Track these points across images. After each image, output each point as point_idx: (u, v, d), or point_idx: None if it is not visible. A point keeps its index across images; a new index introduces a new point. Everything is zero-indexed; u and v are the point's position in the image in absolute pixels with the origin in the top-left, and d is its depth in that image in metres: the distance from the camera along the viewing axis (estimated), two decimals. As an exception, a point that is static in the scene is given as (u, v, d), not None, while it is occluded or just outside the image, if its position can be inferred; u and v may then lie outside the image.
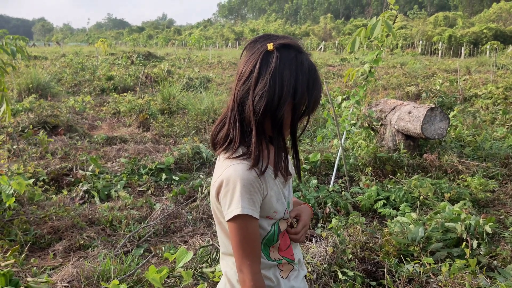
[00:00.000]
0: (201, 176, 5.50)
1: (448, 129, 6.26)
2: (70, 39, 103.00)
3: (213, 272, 3.04)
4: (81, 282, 2.86)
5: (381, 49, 4.94)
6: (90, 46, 50.10)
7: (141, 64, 20.60)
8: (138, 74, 14.98)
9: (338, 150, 5.30)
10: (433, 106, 5.78)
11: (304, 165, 5.49)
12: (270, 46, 1.32)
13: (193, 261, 3.25)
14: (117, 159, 6.10)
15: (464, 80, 13.93)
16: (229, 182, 1.33)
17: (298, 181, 1.40)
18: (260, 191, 1.36)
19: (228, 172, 1.34)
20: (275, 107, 1.32)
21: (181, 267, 3.05)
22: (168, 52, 33.51)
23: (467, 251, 3.21)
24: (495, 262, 3.31)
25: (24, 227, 3.73)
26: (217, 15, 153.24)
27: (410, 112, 5.90)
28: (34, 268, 3.13)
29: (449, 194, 4.59)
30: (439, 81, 12.91)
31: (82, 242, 3.64)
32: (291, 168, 1.57)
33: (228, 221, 1.35)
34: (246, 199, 1.32)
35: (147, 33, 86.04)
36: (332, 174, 5.18)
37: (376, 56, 4.88)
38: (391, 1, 4.76)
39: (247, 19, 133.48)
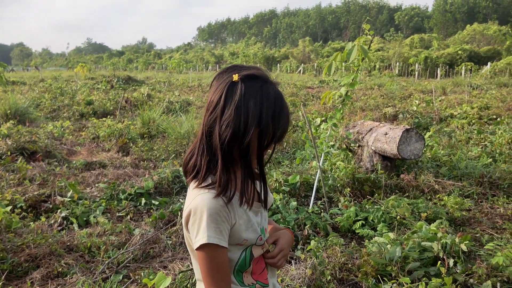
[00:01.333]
0: (180, 200, 5.50)
1: (424, 149, 6.38)
2: (49, 64, 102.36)
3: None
4: (59, 311, 2.84)
5: (357, 73, 5.05)
6: (70, 70, 49.88)
7: (121, 88, 20.57)
8: (118, 99, 14.95)
9: (317, 171, 5.36)
10: (409, 127, 5.90)
11: (283, 187, 5.53)
12: (235, 77, 1.37)
13: (172, 286, 3.24)
14: (96, 184, 6.06)
15: (440, 100, 14.24)
16: (196, 211, 1.37)
17: (264, 209, 1.44)
18: (228, 220, 1.39)
19: (196, 202, 1.38)
20: (241, 136, 1.36)
21: (160, 293, 3.04)
22: (148, 76, 33.57)
23: (443, 269, 3.26)
24: (471, 280, 3.37)
25: (1, 255, 3.68)
26: (197, 39, 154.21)
27: (386, 134, 6.01)
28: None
29: (425, 214, 4.67)
30: (415, 102, 13.19)
31: (60, 269, 3.60)
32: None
33: (196, 249, 1.38)
34: (213, 228, 1.34)
35: (127, 57, 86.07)
36: (311, 196, 5.22)
37: (352, 79, 4.99)
38: (366, 27, 4.91)
39: (227, 42, 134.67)
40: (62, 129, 10.03)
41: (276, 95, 1.43)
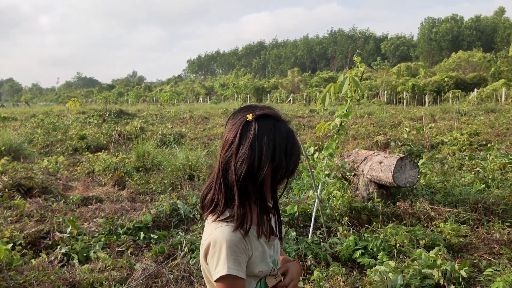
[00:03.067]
0: (180, 233, 5.51)
1: (418, 176, 6.48)
2: (39, 99, 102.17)
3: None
4: None
5: (350, 103, 5.17)
6: (60, 105, 50.01)
7: (113, 122, 20.65)
8: (111, 132, 15.01)
9: (315, 201, 5.41)
10: (403, 155, 6.01)
11: (282, 218, 5.56)
12: (249, 116, 1.47)
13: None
14: (94, 219, 6.06)
15: (430, 127, 14.45)
16: (215, 244, 1.44)
17: (279, 242, 1.56)
18: (245, 252, 1.46)
19: (215, 234, 1.46)
20: (255, 172, 1.45)
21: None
22: (140, 109, 33.71)
23: (445, 296, 3.31)
24: (472, 306, 3.42)
25: (4, 293, 3.67)
26: (187, 71, 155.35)
27: (381, 162, 6.11)
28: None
29: (424, 241, 4.72)
30: (406, 130, 13.37)
31: (64, 306, 3.60)
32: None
33: (215, 281, 1.44)
34: (232, 260, 1.42)
35: (117, 91, 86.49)
36: (310, 226, 5.27)
37: (346, 110, 5.11)
38: (357, 59, 5.06)
39: (217, 74, 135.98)
40: (56, 165, 10.03)
41: (288, 132, 1.52)
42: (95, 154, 11.21)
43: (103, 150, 11.80)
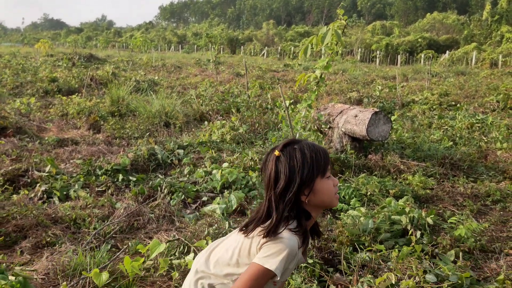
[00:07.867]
0: (159, 176, 5.62)
1: (390, 132, 6.71)
2: (3, 39, 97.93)
3: (181, 264, 3.21)
4: (57, 274, 2.95)
5: (331, 56, 5.27)
6: (26, 46, 48.28)
7: (83, 66, 20.16)
8: (82, 76, 14.73)
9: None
10: (377, 110, 6.19)
11: (258, 166, 5.73)
12: (276, 153, 1.79)
13: (161, 254, 3.39)
14: (71, 161, 6.08)
15: (402, 87, 14.72)
16: (281, 243, 1.68)
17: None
18: (292, 262, 1.72)
19: (286, 237, 1.70)
20: (299, 190, 1.77)
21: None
22: (110, 54, 32.89)
23: (413, 238, 3.56)
24: (436, 250, 3.69)
25: (-12, 226, 3.73)
26: (159, 18, 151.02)
27: (356, 116, 6.29)
28: (3, 264, 3.16)
29: (393, 191, 4.97)
30: (378, 88, 13.60)
31: (49, 239, 3.69)
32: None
33: (256, 263, 1.68)
34: (283, 264, 1.67)
35: (86, 35, 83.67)
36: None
37: (327, 62, 5.21)
38: (340, 12, 5.13)
39: (190, 22, 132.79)
40: (29, 106, 9.87)
41: (308, 147, 1.82)
42: (68, 97, 11.04)
43: (75, 94, 11.62)
